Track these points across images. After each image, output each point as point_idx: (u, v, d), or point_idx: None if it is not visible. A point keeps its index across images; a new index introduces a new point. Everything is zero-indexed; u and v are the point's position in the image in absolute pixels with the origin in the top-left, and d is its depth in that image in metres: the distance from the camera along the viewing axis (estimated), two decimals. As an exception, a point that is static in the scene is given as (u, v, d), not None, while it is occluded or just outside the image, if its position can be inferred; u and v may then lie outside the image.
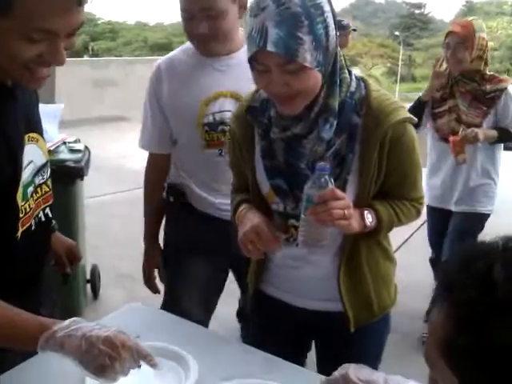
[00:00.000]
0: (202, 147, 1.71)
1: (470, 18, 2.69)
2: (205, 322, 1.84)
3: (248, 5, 1.11)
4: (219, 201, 1.76)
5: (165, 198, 1.88)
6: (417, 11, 70.09)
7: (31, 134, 1.18)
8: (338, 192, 1.14)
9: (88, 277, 3.27)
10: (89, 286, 3.30)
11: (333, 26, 1.13)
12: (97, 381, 0.97)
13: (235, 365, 1.07)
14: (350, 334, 1.33)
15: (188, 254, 1.81)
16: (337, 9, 1.19)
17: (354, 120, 1.21)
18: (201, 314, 1.83)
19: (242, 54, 1.69)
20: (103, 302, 3.33)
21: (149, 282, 1.95)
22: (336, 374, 0.97)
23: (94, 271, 3.30)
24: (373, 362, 1.35)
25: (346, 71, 1.22)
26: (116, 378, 0.97)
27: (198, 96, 1.69)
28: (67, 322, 0.97)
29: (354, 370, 0.96)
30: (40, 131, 1.24)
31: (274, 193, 1.29)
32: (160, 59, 1.80)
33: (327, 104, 1.18)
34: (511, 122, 2.56)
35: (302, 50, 1.07)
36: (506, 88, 2.55)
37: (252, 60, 1.13)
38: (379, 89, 1.25)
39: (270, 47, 1.06)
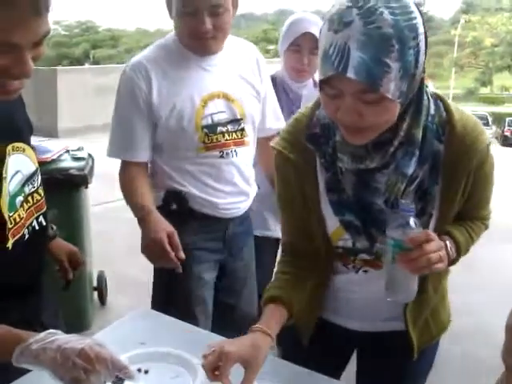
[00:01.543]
0: (201, 151, 1.67)
1: None
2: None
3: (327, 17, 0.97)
4: (222, 201, 1.74)
5: (161, 207, 1.72)
6: (416, 10, 69.74)
7: (16, 144, 1.17)
8: (431, 233, 1.03)
9: (95, 284, 3.28)
10: (96, 293, 3.31)
11: (424, 50, 0.97)
12: None
13: (242, 369, 1.07)
14: (405, 354, 1.26)
15: (193, 260, 1.76)
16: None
17: (436, 147, 1.08)
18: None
19: (224, 54, 1.70)
20: (110, 308, 3.33)
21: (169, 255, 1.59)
22: None
23: (101, 278, 3.31)
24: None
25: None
26: None
27: (193, 97, 1.65)
28: (43, 334, 0.96)
29: None
30: (26, 140, 1.23)
31: (343, 230, 1.15)
32: (135, 59, 1.68)
33: (411, 135, 1.04)
34: None
35: (387, 80, 0.92)
36: None
37: (323, 83, 0.98)
38: (457, 107, 1.12)
39: (350, 73, 0.90)
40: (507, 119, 24.30)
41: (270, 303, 1.14)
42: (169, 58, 1.67)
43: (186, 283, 1.74)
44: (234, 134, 1.70)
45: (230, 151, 1.70)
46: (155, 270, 1.80)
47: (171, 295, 1.76)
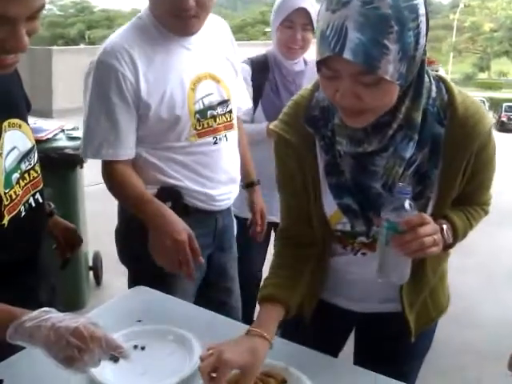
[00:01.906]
0: (194, 138, 1.55)
1: None
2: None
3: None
4: (216, 192, 1.63)
5: None
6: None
7: (12, 120, 1.16)
8: (426, 217, 1.01)
9: (90, 264, 3.29)
10: (91, 272, 3.32)
11: (424, 32, 0.95)
12: (66, 371, 0.95)
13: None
14: (403, 335, 1.25)
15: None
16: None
17: (437, 130, 1.06)
18: None
19: (203, 32, 1.56)
20: (106, 288, 3.34)
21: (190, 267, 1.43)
22: None
23: (97, 258, 3.31)
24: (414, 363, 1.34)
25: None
26: (86, 370, 0.97)
27: (182, 81, 1.51)
28: (37, 312, 0.96)
29: None
30: (23, 116, 1.22)
31: (341, 213, 1.14)
32: (113, 43, 1.48)
33: (410, 119, 1.03)
34: None
35: (385, 61, 0.89)
36: None
37: (321, 63, 0.96)
38: (460, 90, 1.09)
39: (347, 54, 0.88)
40: (504, 105, 24.24)
41: (267, 302, 1.12)
42: (149, 39, 1.50)
43: (174, 282, 1.59)
44: (223, 117, 1.60)
45: (221, 136, 1.61)
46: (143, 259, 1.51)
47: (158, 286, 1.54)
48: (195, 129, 1.54)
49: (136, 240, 1.51)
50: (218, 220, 1.69)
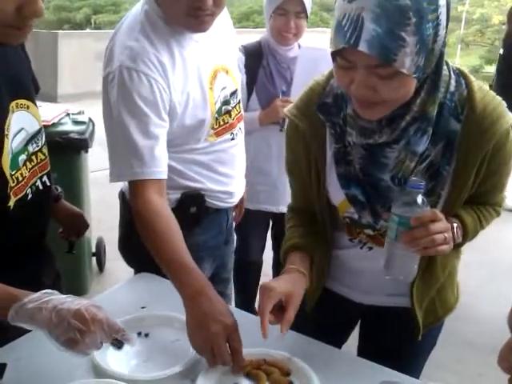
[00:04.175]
0: (212, 138, 1.46)
1: None
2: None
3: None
4: (233, 187, 1.57)
5: (175, 210, 1.37)
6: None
7: (20, 101, 1.14)
8: (439, 213, 0.98)
9: (93, 250, 3.29)
10: (94, 259, 3.33)
11: (445, 23, 0.92)
12: (68, 353, 0.96)
13: (242, 334, 1.07)
14: (409, 332, 1.24)
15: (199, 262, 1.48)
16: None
17: (453, 126, 1.03)
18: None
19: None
20: (108, 275, 3.34)
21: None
22: None
23: (100, 244, 3.32)
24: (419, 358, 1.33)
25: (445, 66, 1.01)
26: (88, 352, 0.97)
27: (201, 80, 1.41)
28: (38, 293, 0.96)
29: None
30: (31, 97, 1.20)
31: (349, 203, 1.12)
32: (126, 45, 1.30)
33: (425, 112, 1.00)
34: None
35: (402, 54, 0.87)
36: None
37: (336, 53, 0.94)
38: (481, 85, 1.06)
39: (362, 47, 0.87)
40: (511, 99, 24.13)
41: (293, 250, 1.16)
42: (161, 35, 1.35)
43: None
44: (235, 109, 1.54)
45: (237, 131, 1.55)
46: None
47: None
48: (213, 128, 1.46)
49: (142, 247, 1.27)
50: (229, 215, 1.67)
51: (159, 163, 1.31)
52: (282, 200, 2.26)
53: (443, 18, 0.91)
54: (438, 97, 1.00)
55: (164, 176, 1.33)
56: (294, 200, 1.29)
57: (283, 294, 1.03)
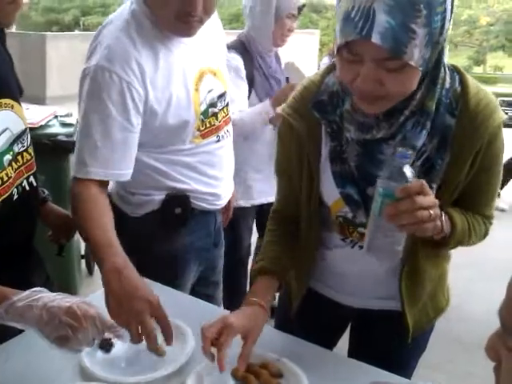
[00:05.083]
0: (198, 140, 1.45)
1: None
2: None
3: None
4: (221, 190, 1.56)
5: (158, 211, 1.48)
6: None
7: (4, 100, 1.14)
8: (426, 186, 0.93)
9: (82, 252, 3.27)
10: (83, 261, 3.31)
11: (450, 15, 0.92)
12: (59, 350, 0.95)
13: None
14: (400, 335, 1.23)
15: (185, 264, 1.57)
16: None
17: (448, 121, 1.03)
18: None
19: None
20: (98, 277, 3.29)
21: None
22: None
23: (89, 247, 3.29)
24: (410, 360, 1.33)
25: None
26: (80, 349, 0.97)
27: (185, 81, 1.40)
28: (28, 292, 0.95)
29: None
30: (15, 96, 1.19)
31: (343, 202, 1.11)
32: (107, 45, 1.30)
33: (424, 106, 1.00)
34: None
35: (412, 46, 0.87)
36: None
37: (343, 46, 0.92)
38: (474, 82, 1.06)
39: (375, 38, 0.85)
40: (499, 99, 24.29)
41: (261, 275, 1.15)
42: (147, 36, 1.35)
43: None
44: (222, 112, 1.53)
45: (224, 133, 1.54)
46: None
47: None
48: (198, 130, 1.45)
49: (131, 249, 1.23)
50: (217, 218, 1.65)
51: (116, 165, 1.32)
52: (271, 191, 2.31)
53: (449, 10, 0.91)
54: (437, 92, 1.00)
55: (119, 178, 1.35)
56: (279, 202, 1.28)
57: (241, 331, 1.03)
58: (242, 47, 2.27)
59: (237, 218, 2.02)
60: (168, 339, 1.06)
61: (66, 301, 0.94)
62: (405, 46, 0.87)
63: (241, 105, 2.22)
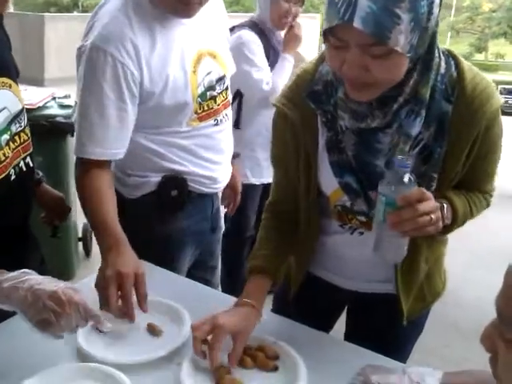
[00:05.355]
0: (195, 122, 1.45)
1: None
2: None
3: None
4: (218, 173, 1.56)
5: (155, 193, 1.48)
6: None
7: (2, 79, 1.12)
8: (426, 192, 0.95)
9: (80, 235, 3.27)
10: (80, 244, 3.31)
11: (438, 1, 0.90)
12: (40, 334, 0.94)
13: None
14: (396, 318, 1.23)
15: (182, 247, 1.58)
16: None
17: (445, 108, 1.01)
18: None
19: None
20: (95, 260, 3.32)
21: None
22: (356, 381, 0.95)
23: (86, 229, 3.29)
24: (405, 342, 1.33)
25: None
26: (61, 335, 0.96)
27: (183, 62, 1.39)
28: (16, 272, 0.94)
29: (375, 377, 0.94)
30: (12, 76, 1.18)
31: (342, 191, 1.10)
32: (104, 24, 1.29)
33: (418, 94, 0.99)
34: None
35: (396, 32, 0.86)
36: None
37: (328, 32, 0.92)
38: (470, 66, 1.04)
39: (357, 23, 0.85)
40: (499, 87, 24.21)
41: (255, 273, 1.14)
42: (145, 15, 1.33)
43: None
44: (221, 95, 1.51)
45: (222, 117, 1.53)
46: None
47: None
48: (196, 112, 1.44)
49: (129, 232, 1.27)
50: (214, 202, 1.64)
51: (112, 145, 1.34)
52: None
53: None
54: (431, 78, 0.99)
55: (114, 157, 1.36)
56: (276, 193, 1.26)
57: (232, 331, 1.03)
58: (257, 27, 2.36)
59: (244, 198, 2.03)
60: (141, 303, 1.14)
61: (53, 285, 0.93)
62: (389, 31, 0.86)
63: (266, 73, 2.31)
